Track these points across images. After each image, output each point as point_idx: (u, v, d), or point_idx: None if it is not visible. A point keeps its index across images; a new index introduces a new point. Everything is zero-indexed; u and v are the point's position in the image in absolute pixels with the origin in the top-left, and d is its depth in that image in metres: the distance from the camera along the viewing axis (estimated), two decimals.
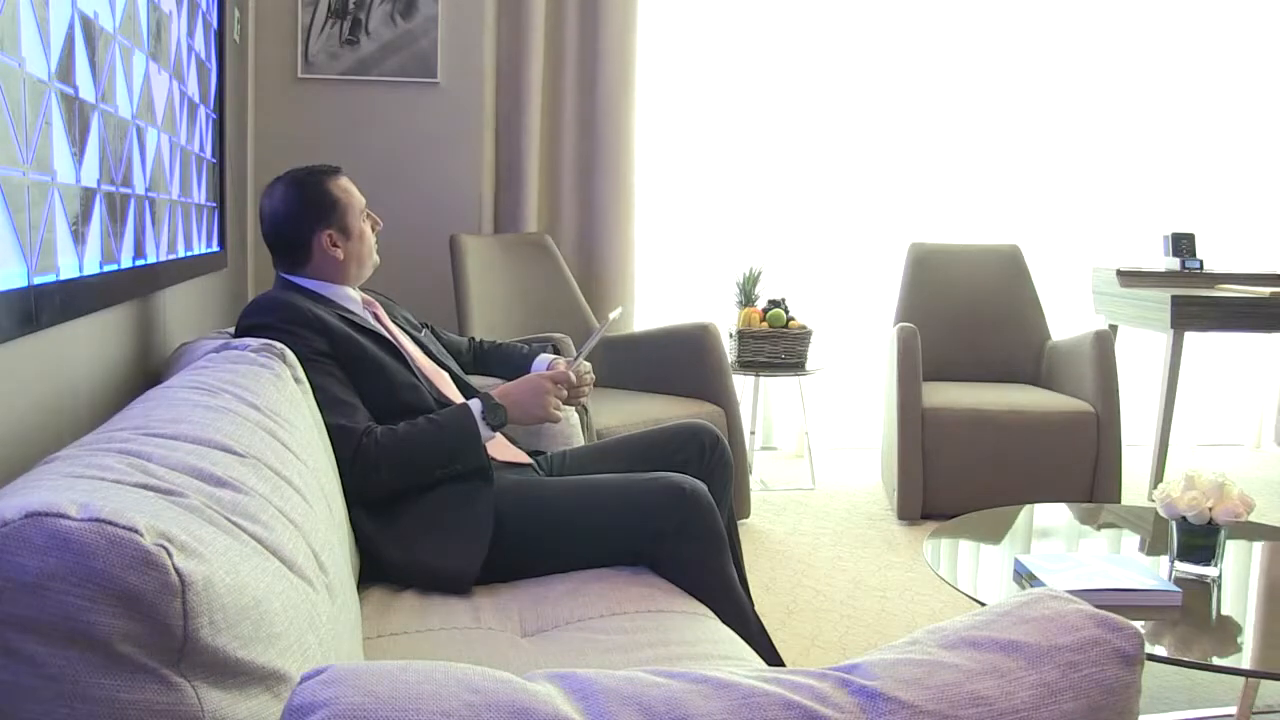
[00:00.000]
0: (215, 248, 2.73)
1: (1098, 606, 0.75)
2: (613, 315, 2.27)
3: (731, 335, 3.94)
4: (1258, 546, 2.27)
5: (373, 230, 2.09)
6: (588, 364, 2.24)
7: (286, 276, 2.04)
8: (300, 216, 2.00)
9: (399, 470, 1.84)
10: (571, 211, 4.12)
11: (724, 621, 1.70)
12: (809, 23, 4.49)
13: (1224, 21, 4.59)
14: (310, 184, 2.02)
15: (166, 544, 0.76)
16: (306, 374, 1.73)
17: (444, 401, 2.02)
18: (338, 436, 1.78)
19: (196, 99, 2.45)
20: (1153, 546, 2.26)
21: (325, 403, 1.78)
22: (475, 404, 1.95)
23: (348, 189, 2.05)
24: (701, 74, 4.44)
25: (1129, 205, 4.72)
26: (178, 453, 1.03)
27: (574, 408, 2.48)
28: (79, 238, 1.45)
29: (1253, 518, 2.19)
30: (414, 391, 1.96)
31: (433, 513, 1.86)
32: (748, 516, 3.55)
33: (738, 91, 4.49)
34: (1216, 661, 1.67)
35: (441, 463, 1.88)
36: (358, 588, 1.73)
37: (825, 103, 4.54)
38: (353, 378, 1.89)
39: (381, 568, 1.81)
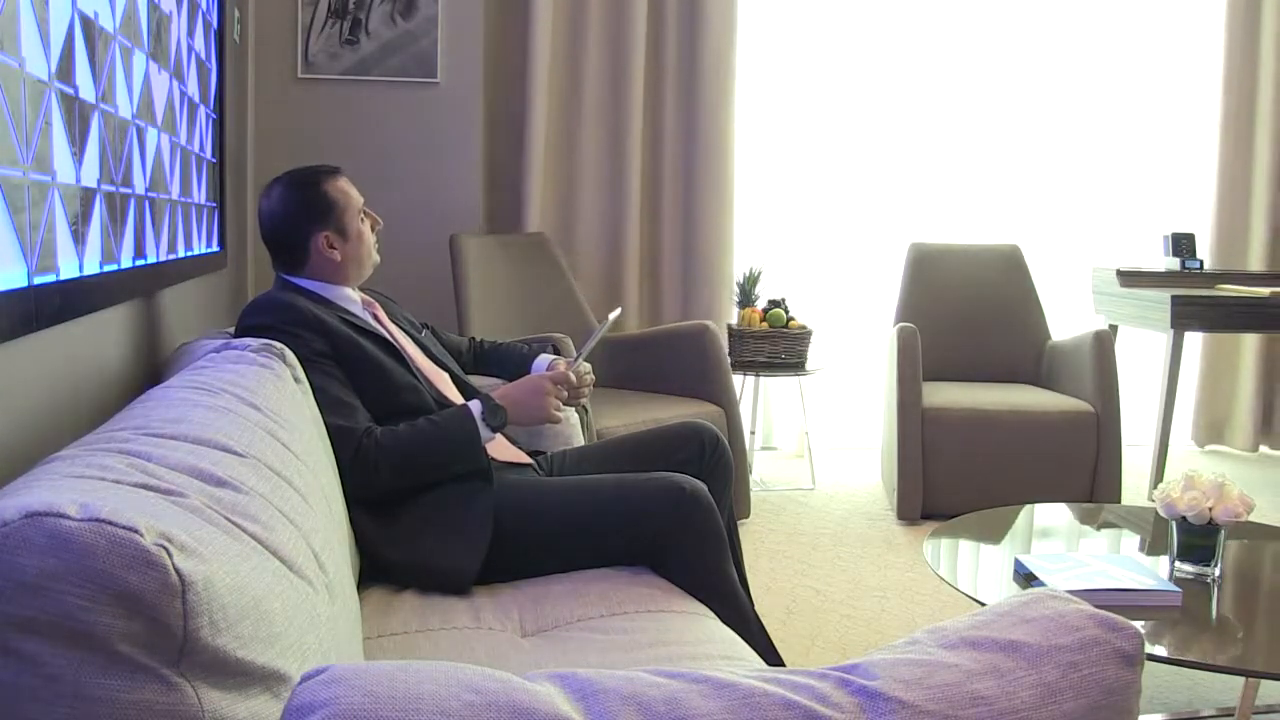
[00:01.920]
0: (215, 248, 2.73)
1: (1098, 606, 0.75)
2: (613, 315, 2.27)
3: (731, 335, 3.93)
4: (1258, 546, 2.27)
5: (372, 229, 2.08)
6: (588, 364, 2.24)
7: (286, 277, 2.04)
8: (297, 218, 2.00)
9: (399, 471, 1.84)
10: (672, 210, 4.28)
11: (724, 621, 1.70)
12: (808, 23, 4.49)
13: (1220, 21, 4.59)
14: (308, 185, 2.01)
15: (166, 544, 0.76)
16: (306, 374, 1.73)
17: (444, 402, 2.02)
18: (338, 438, 1.78)
19: (196, 99, 2.45)
20: (1153, 546, 2.26)
21: (325, 404, 1.78)
22: (475, 405, 1.95)
23: (345, 190, 2.04)
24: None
25: (1129, 205, 4.72)
26: (178, 453, 1.03)
27: (574, 408, 2.47)
28: (79, 238, 1.45)
29: (1253, 518, 2.19)
30: (414, 392, 1.96)
31: (433, 512, 1.86)
32: (748, 516, 3.55)
33: (737, 93, 4.48)
34: (1216, 661, 1.67)
35: (441, 464, 1.88)
36: (358, 588, 1.73)
37: (824, 104, 4.54)
38: (352, 379, 1.89)
39: (381, 568, 1.81)
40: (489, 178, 4.02)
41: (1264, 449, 4.81)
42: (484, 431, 1.93)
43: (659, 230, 4.27)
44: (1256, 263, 4.60)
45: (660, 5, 4.18)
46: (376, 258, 2.10)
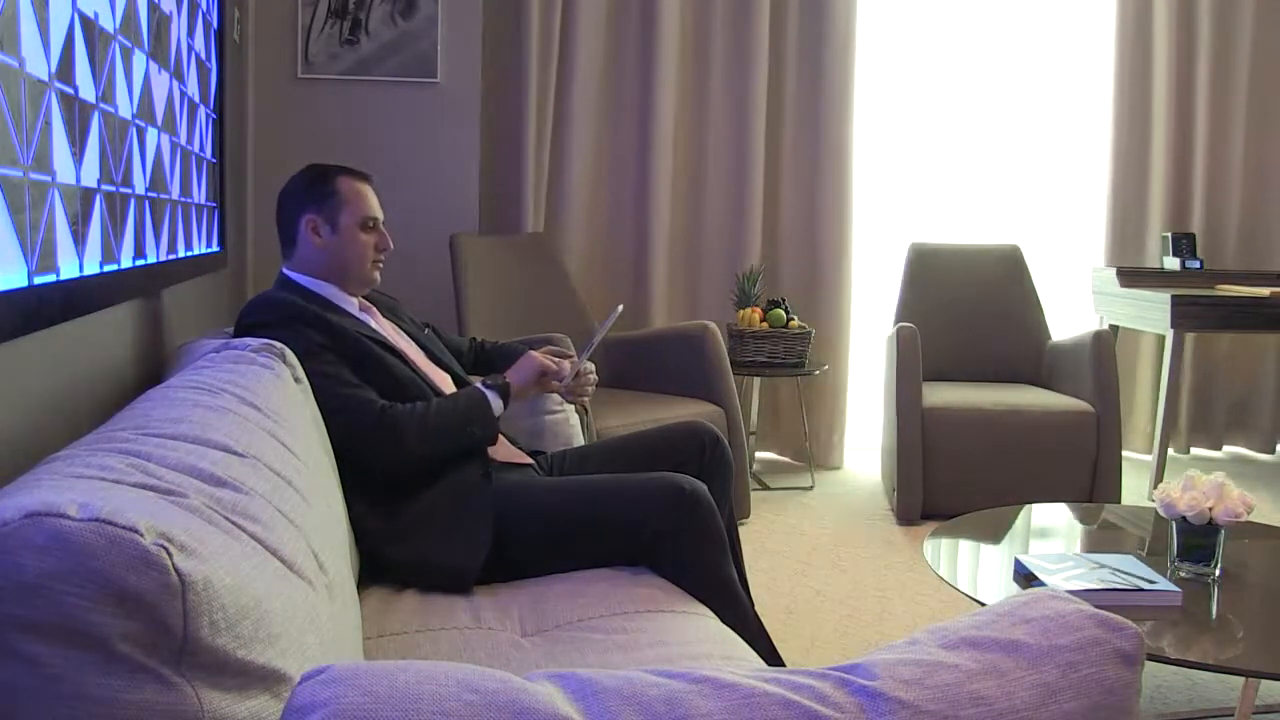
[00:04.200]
0: (215, 248, 2.73)
1: (1098, 606, 0.75)
2: (615, 313, 2.28)
3: (731, 335, 3.93)
4: (1258, 546, 2.27)
5: (377, 249, 2.05)
6: (591, 364, 2.24)
7: (286, 273, 2.04)
8: (296, 196, 2.03)
9: (421, 435, 1.87)
10: (794, 213, 4.38)
11: (724, 621, 1.70)
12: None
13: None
14: (320, 172, 2.04)
15: (166, 544, 0.76)
16: (311, 367, 1.74)
17: None
18: (357, 410, 1.82)
19: (196, 99, 2.45)
20: (1153, 546, 2.26)
21: (336, 385, 1.82)
22: (477, 382, 2.04)
23: (358, 191, 2.03)
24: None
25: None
26: (178, 453, 1.03)
27: (574, 407, 2.48)
28: (79, 238, 1.45)
29: (1253, 518, 2.19)
30: (416, 389, 1.97)
31: (434, 511, 1.86)
32: (748, 516, 3.55)
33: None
34: (1216, 661, 1.67)
35: (460, 424, 1.93)
36: (358, 588, 1.73)
37: None
38: (355, 374, 1.90)
39: (382, 566, 1.82)
40: (488, 178, 4.03)
41: (1169, 452, 4.76)
42: (492, 399, 1.99)
43: (660, 230, 4.27)
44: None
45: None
46: (373, 275, 2.06)
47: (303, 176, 2.05)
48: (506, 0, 4.00)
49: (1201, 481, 1.95)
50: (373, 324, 2.04)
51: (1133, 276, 4.24)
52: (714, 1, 4.21)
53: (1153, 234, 4.58)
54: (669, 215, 4.25)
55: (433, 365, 2.13)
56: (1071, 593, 1.20)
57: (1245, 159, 4.60)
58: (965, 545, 2.26)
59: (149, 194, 1.91)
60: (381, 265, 2.08)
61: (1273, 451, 4.73)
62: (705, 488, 1.85)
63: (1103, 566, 1.95)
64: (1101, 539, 2.37)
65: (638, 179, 4.21)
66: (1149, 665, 2.11)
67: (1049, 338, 4.06)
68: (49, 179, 1.31)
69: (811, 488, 4.08)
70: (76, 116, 1.42)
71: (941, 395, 3.66)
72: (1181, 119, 4.57)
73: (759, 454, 4.47)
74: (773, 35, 4.27)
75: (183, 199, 2.27)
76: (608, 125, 4.15)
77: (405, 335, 2.14)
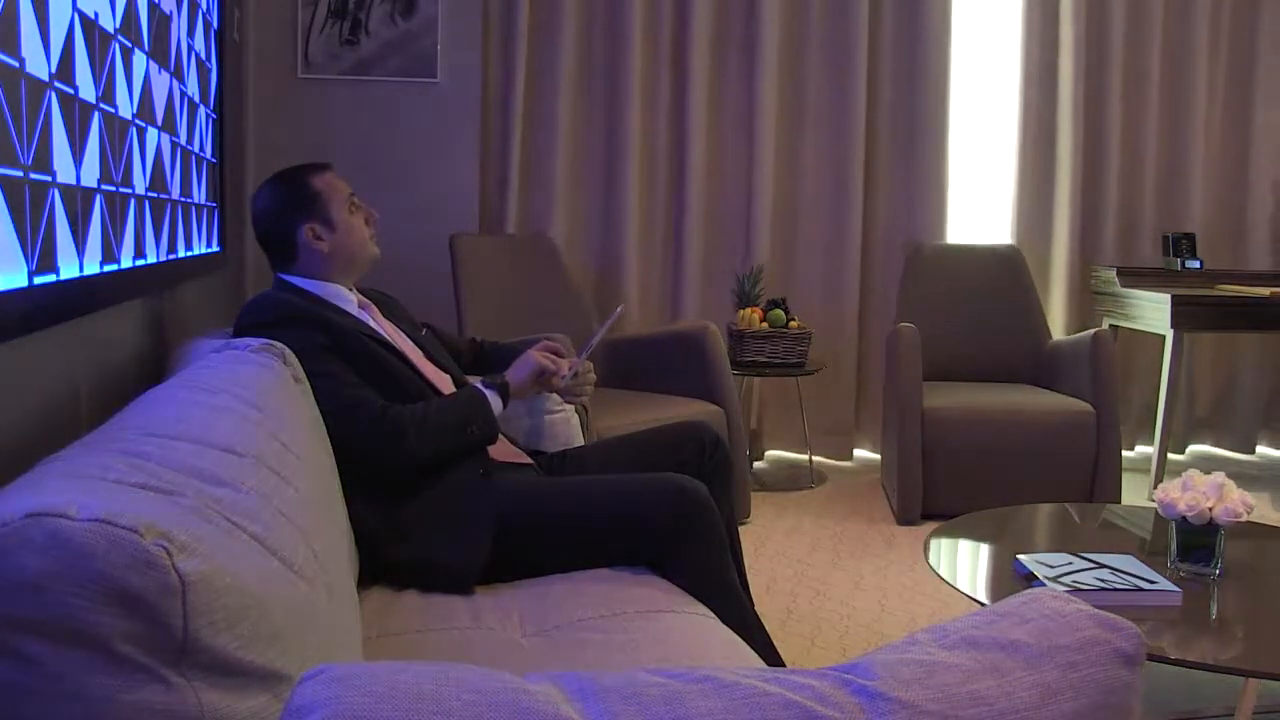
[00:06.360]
0: (215, 248, 2.73)
1: (1098, 606, 0.74)
2: (615, 313, 2.28)
3: (731, 335, 3.93)
4: (1258, 546, 2.27)
5: (367, 223, 2.08)
6: (589, 364, 2.24)
7: (283, 277, 2.04)
8: (282, 211, 2.02)
9: (424, 435, 1.87)
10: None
11: (724, 622, 1.70)
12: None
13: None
14: (291, 179, 2.03)
15: (166, 544, 0.76)
16: (310, 366, 1.74)
17: None
18: (356, 408, 1.82)
19: (196, 99, 2.45)
20: (1153, 546, 2.26)
21: (337, 385, 1.81)
22: (476, 382, 2.05)
23: (331, 183, 2.04)
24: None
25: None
26: (178, 453, 1.03)
27: (574, 407, 2.48)
28: (79, 238, 1.45)
29: (1253, 518, 2.19)
30: (416, 388, 1.97)
31: (434, 511, 1.86)
32: (748, 516, 3.55)
33: None
34: (1216, 661, 1.67)
35: (460, 424, 1.93)
36: (358, 588, 1.73)
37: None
38: (354, 375, 1.90)
39: (382, 566, 1.82)
40: (489, 178, 4.03)
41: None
42: (491, 397, 1.99)
43: (660, 229, 4.27)
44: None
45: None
46: (375, 250, 2.09)
47: (277, 190, 2.03)
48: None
49: (1201, 481, 1.95)
50: (371, 323, 2.04)
51: (1133, 276, 4.24)
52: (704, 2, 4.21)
53: (1153, 234, 4.58)
54: (667, 215, 4.25)
55: (432, 365, 2.13)
56: (1071, 593, 1.20)
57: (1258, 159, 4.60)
58: (965, 545, 2.26)
59: (149, 194, 1.91)
60: (375, 235, 2.11)
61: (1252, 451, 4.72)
62: (705, 488, 1.85)
63: (1102, 566, 1.95)
64: (1101, 539, 2.37)
65: (639, 179, 4.21)
66: (1149, 665, 2.10)
67: (1049, 338, 4.06)
68: (49, 179, 1.31)
69: (812, 487, 4.08)
70: (76, 116, 1.42)
71: (941, 395, 3.66)
72: (1193, 118, 4.57)
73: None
74: (792, 27, 4.28)
75: (183, 199, 2.27)
76: (610, 126, 4.15)
77: (404, 335, 2.15)
